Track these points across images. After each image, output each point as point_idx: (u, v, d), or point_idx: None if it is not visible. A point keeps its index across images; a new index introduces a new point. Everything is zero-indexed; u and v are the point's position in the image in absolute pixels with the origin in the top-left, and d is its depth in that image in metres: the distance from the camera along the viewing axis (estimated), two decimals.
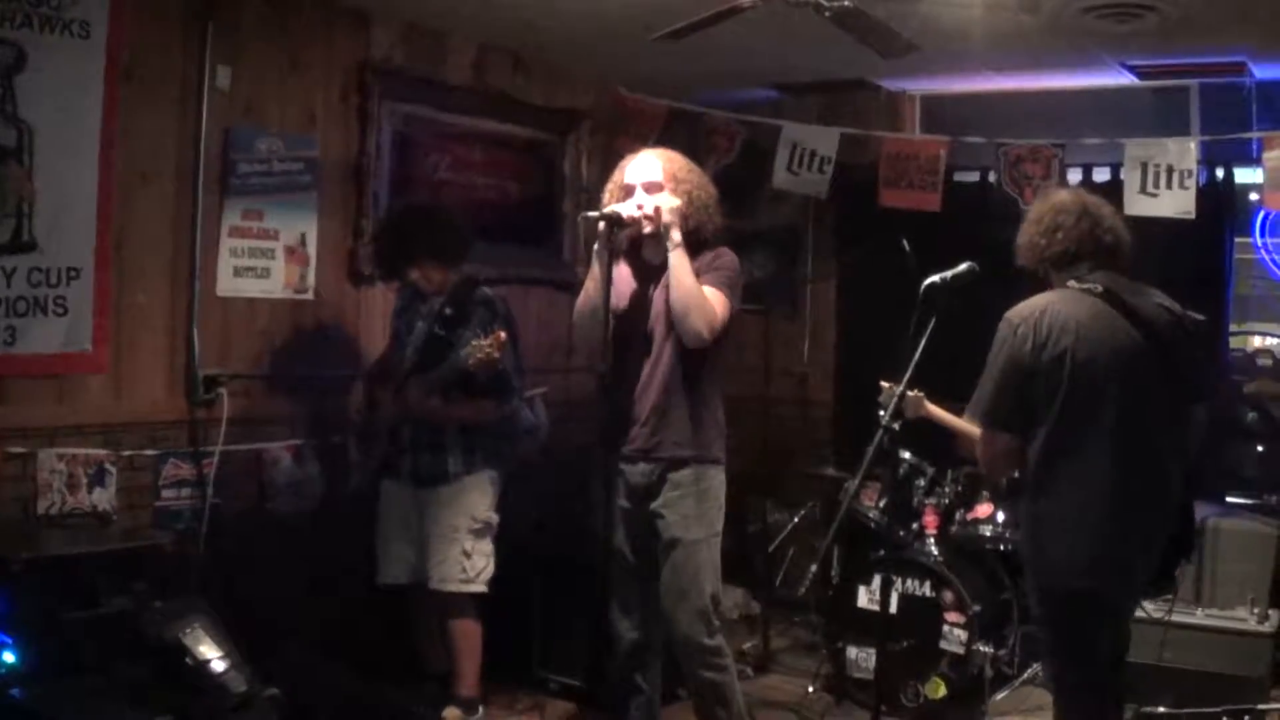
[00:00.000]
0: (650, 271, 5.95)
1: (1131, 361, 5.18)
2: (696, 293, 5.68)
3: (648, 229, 5.83)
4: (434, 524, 6.72)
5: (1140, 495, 5.16)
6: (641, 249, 6.02)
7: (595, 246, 5.77)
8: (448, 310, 6.73)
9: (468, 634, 6.76)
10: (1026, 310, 5.29)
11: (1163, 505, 5.26)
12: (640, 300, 5.98)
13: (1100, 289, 5.28)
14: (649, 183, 5.86)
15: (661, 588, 5.97)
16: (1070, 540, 5.16)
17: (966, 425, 6.15)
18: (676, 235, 5.70)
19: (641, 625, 6.13)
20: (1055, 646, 5.38)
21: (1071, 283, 5.34)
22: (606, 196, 6.00)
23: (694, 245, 5.84)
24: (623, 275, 6.00)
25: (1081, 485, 5.16)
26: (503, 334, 6.25)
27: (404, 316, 7.00)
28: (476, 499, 6.76)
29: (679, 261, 5.69)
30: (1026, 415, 5.24)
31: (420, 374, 6.61)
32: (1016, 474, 5.54)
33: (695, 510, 5.92)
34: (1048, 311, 5.23)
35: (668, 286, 5.80)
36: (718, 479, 6.03)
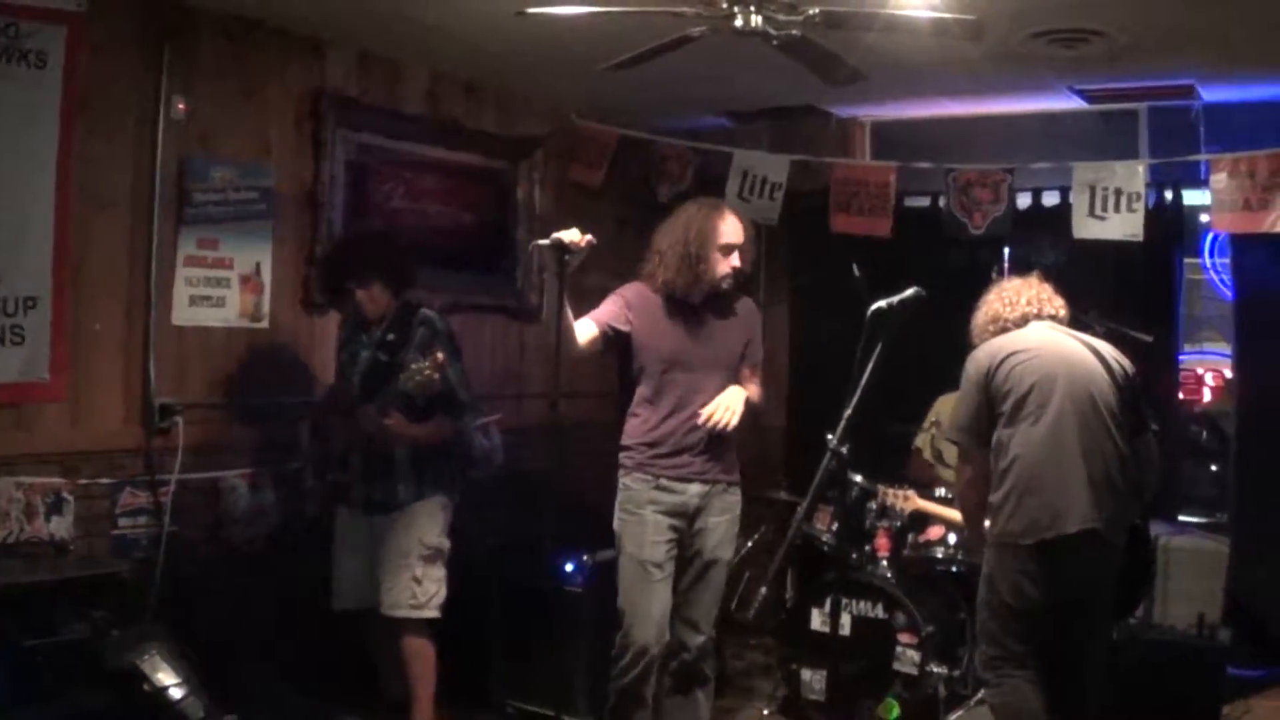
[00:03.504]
0: (687, 310, 6.56)
1: (1074, 361, 6.05)
2: (748, 409, 6.51)
3: (728, 286, 6.56)
4: (385, 550, 6.73)
5: (1087, 457, 5.87)
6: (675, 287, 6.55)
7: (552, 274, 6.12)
8: (389, 335, 6.78)
9: (421, 659, 6.77)
10: (984, 345, 6.28)
11: (1108, 471, 5.93)
12: (683, 334, 6.55)
13: (1049, 323, 6.24)
14: (743, 246, 6.59)
15: (692, 598, 6.59)
16: (1031, 500, 5.86)
17: (953, 512, 6.86)
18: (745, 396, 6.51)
19: (660, 637, 6.43)
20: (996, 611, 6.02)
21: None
22: (703, 248, 6.49)
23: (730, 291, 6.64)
24: (656, 307, 6.56)
25: (1034, 454, 5.88)
26: (440, 354, 6.30)
27: (347, 348, 7.03)
28: (426, 525, 6.77)
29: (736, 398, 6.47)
30: (992, 423, 6.03)
31: (367, 401, 6.65)
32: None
33: (733, 531, 6.65)
34: (1000, 338, 6.25)
35: (714, 333, 6.60)
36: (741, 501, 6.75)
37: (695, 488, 6.46)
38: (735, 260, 6.50)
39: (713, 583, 6.58)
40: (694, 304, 6.54)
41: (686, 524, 6.47)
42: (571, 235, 5.99)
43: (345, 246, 7.11)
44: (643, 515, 6.41)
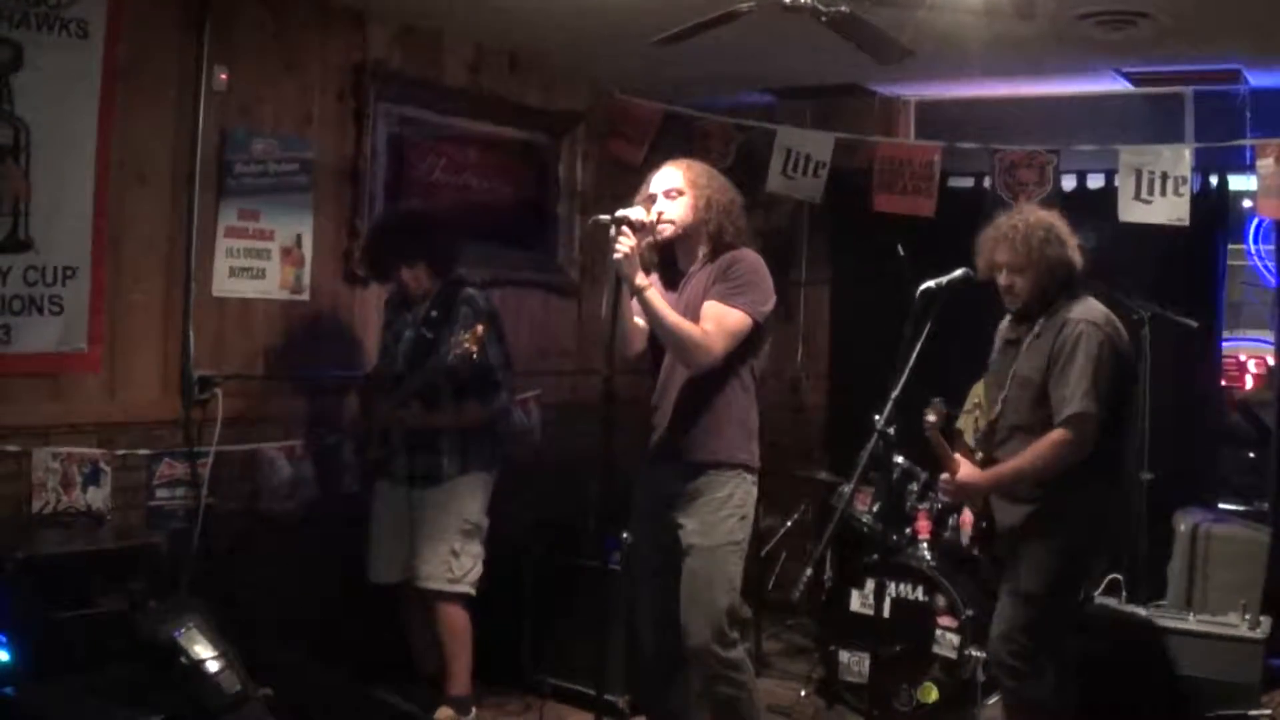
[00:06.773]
0: (680, 279, 5.86)
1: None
2: (674, 330, 5.51)
3: (666, 232, 5.71)
4: (425, 523, 6.75)
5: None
6: (676, 258, 5.90)
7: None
8: (433, 313, 6.78)
9: (457, 632, 6.78)
10: (1106, 315, 5.75)
11: None
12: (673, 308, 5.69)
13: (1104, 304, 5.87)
14: (669, 189, 5.75)
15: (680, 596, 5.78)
16: (1116, 522, 5.91)
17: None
18: (640, 280, 5.44)
19: (667, 636, 5.88)
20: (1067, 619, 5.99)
21: (1090, 298, 5.84)
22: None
23: (715, 249, 5.76)
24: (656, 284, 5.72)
25: (1123, 475, 5.88)
26: (480, 328, 6.25)
27: (391, 327, 7.05)
28: (468, 500, 6.80)
29: (650, 301, 5.48)
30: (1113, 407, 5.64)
31: (410, 378, 6.64)
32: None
33: (712, 517, 5.69)
34: (1115, 319, 5.79)
35: (685, 296, 5.75)
36: (741, 486, 5.79)
37: (666, 471, 5.88)
38: (661, 206, 5.71)
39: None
40: (685, 271, 5.88)
41: None
42: (638, 212, 5.50)
43: (390, 225, 7.07)
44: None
